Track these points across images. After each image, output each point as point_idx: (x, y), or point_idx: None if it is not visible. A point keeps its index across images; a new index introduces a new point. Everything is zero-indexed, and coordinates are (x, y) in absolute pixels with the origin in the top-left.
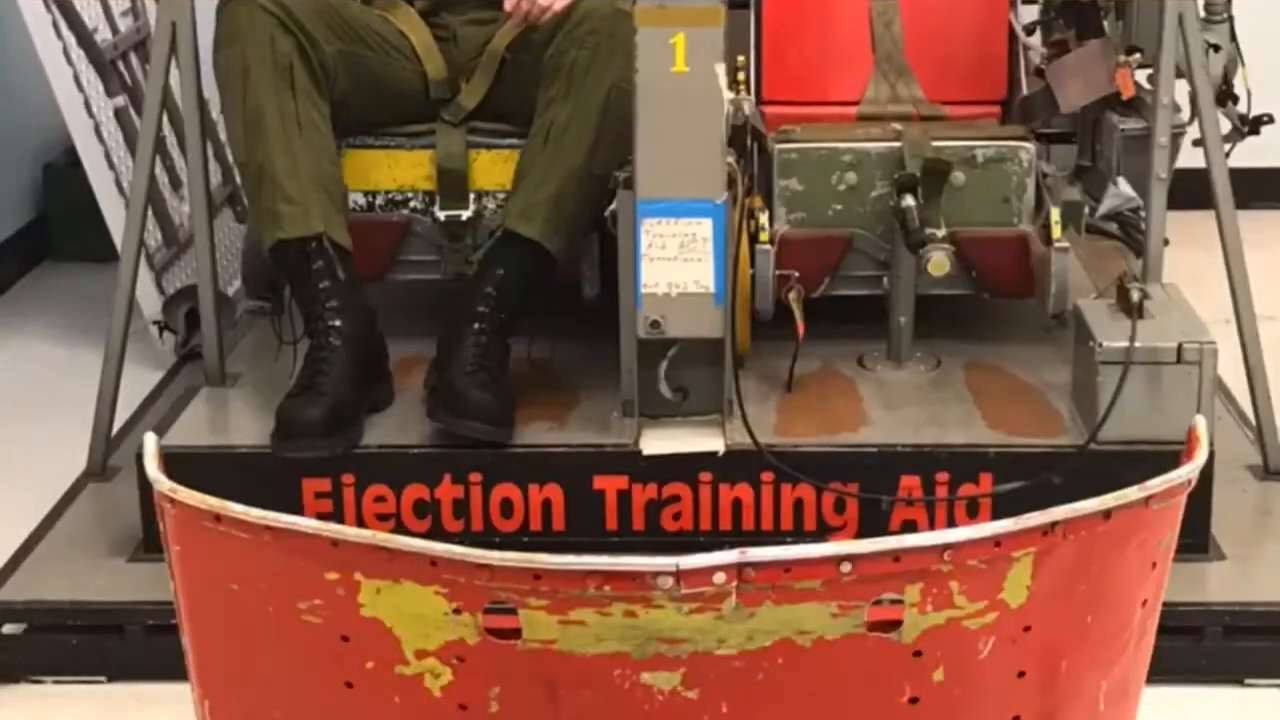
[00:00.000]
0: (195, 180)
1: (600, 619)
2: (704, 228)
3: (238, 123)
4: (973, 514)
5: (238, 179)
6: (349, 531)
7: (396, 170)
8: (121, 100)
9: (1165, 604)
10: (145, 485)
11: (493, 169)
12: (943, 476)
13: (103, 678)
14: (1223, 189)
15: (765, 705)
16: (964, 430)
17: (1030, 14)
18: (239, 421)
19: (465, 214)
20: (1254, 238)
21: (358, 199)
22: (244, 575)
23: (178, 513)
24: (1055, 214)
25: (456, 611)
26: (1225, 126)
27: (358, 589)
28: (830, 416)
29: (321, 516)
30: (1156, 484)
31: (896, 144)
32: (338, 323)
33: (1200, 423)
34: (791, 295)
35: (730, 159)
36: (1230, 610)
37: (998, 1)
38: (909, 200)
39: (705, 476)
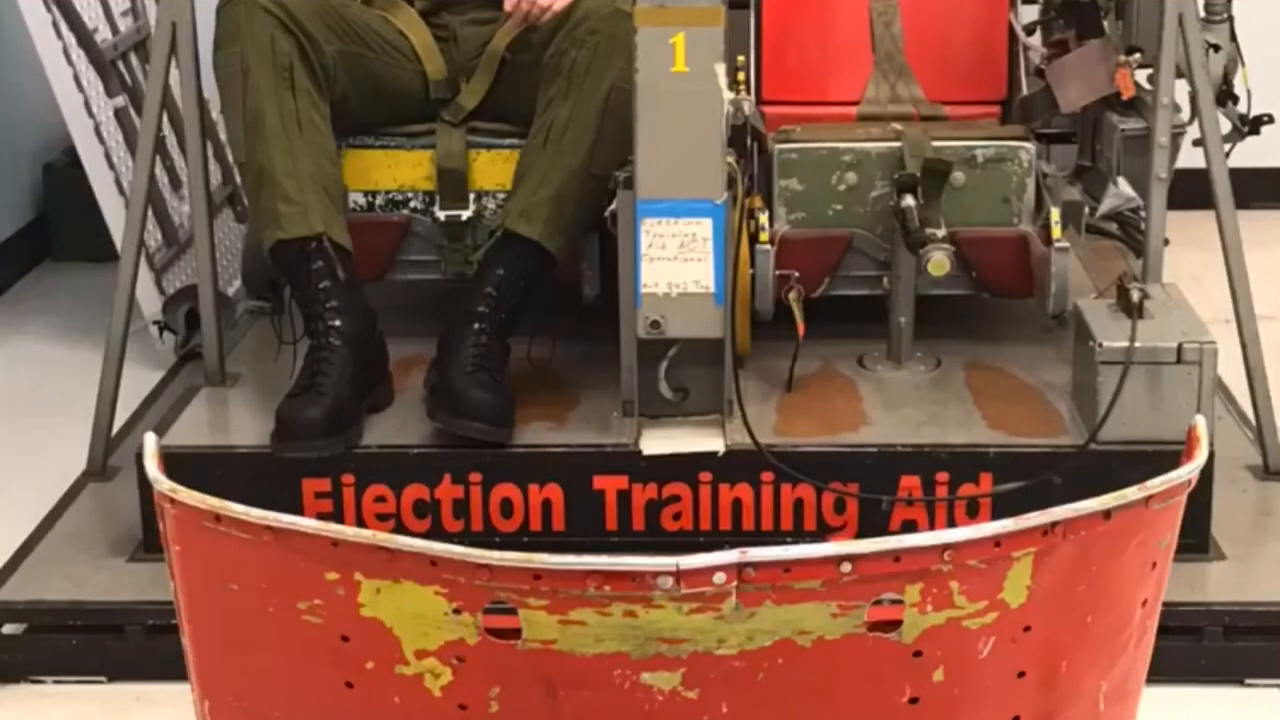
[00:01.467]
0: (195, 180)
1: (600, 619)
2: (704, 228)
3: (237, 123)
4: (973, 514)
5: (238, 179)
6: (349, 531)
7: (396, 170)
8: (121, 100)
9: (1165, 604)
10: (145, 485)
11: (492, 169)
12: (943, 476)
13: (103, 678)
14: (1223, 189)
15: (765, 705)
16: (964, 430)
17: (1030, 14)
18: (239, 421)
19: (465, 214)
20: (1254, 238)
21: (358, 199)
22: (244, 575)
23: (178, 513)
24: (1055, 214)
25: (456, 611)
26: (1225, 126)
27: (358, 589)
28: (830, 416)
29: (321, 516)
30: (1156, 484)
31: (896, 144)
32: (338, 323)
33: (1200, 423)
34: (791, 295)
35: (730, 159)
36: (1230, 610)
37: (998, 2)
38: (909, 200)
39: (705, 476)
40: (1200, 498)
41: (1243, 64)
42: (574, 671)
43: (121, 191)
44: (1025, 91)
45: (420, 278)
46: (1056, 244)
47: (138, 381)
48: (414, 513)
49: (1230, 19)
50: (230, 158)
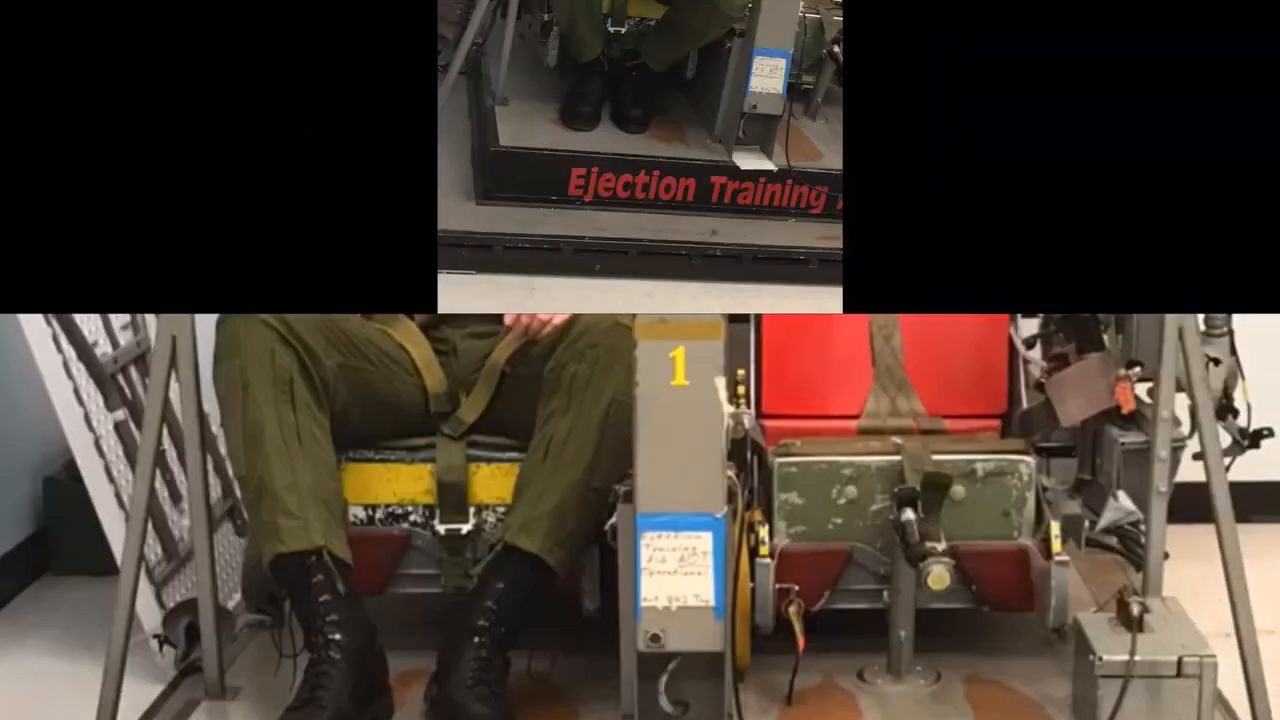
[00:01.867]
0: (195, 494)
1: None
2: (704, 541)
3: (237, 436)
4: None
5: (237, 492)
6: None
7: (396, 484)
8: (121, 414)
9: None
10: None
11: (492, 482)
12: None
13: None
14: (1222, 503)
15: None
16: None
17: (1030, 327)
18: None
19: (465, 527)
20: (1254, 551)
21: (358, 512)
22: None
23: None
24: (1055, 528)
25: None
26: (1225, 440)
27: None
28: None
29: None
30: None
31: (896, 458)
32: (338, 636)
33: None
34: (791, 609)
35: (730, 472)
36: None
37: (997, 316)
38: (909, 514)
39: None
40: None
41: (1242, 378)
42: None
43: (121, 505)
44: (1025, 405)
45: (420, 591)
46: (1056, 558)
47: (138, 695)
48: None
49: (1230, 333)
50: (230, 471)
